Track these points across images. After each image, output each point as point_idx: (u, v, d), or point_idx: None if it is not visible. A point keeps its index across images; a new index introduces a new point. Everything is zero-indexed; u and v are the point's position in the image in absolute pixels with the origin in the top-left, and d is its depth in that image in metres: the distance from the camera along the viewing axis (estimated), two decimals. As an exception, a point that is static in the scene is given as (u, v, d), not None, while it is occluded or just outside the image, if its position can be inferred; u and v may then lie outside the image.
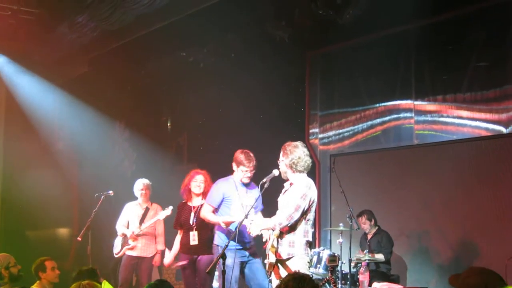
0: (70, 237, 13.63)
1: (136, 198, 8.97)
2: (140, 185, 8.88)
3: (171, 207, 8.44)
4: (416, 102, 8.91)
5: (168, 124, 12.88)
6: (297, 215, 5.70)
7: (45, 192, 12.48)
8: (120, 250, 8.75)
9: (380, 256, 8.30)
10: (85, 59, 12.25)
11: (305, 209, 5.76)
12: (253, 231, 5.86)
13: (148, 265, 8.77)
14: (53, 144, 13.58)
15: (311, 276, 3.95)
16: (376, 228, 8.67)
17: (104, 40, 10.99)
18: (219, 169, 10.82)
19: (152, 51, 11.18)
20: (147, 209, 8.85)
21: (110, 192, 8.58)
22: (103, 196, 8.48)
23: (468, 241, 8.25)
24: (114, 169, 12.95)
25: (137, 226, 8.69)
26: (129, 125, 13.24)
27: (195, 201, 7.54)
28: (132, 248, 8.66)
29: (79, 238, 8.17)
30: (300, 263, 5.72)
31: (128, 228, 8.82)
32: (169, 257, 7.91)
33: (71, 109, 13.04)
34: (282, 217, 5.68)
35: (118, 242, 8.85)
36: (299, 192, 5.76)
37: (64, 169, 13.30)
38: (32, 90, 12.41)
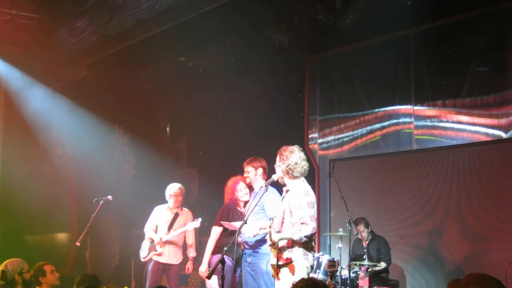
0: (69, 242, 13.59)
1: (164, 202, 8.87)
2: (175, 189, 8.72)
3: (200, 219, 8.45)
4: (415, 107, 8.93)
5: (168, 129, 12.90)
6: (315, 225, 5.71)
7: (43, 197, 12.49)
8: (147, 255, 8.68)
9: (383, 265, 8.27)
10: (84, 64, 12.24)
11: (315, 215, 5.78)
12: (274, 238, 5.73)
13: (176, 272, 8.69)
14: (52, 149, 13.58)
15: (324, 282, 3.91)
16: (371, 234, 8.63)
17: (103, 44, 10.98)
18: (218, 174, 10.89)
19: (152, 56, 11.17)
20: (176, 215, 8.74)
21: (109, 197, 8.52)
22: (102, 201, 8.42)
23: (469, 246, 8.26)
24: (113, 174, 12.95)
25: (165, 232, 8.63)
26: (128, 130, 13.25)
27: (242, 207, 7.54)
28: (159, 254, 8.59)
29: (78, 243, 8.11)
30: (299, 268, 5.70)
31: (156, 232, 8.74)
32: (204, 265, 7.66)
33: (70, 114, 13.03)
34: (307, 230, 5.61)
35: (145, 246, 8.79)
36: (303, 201, 5.71)
37: (63, 174, 13.30)
38: (31, 95, 12.41)
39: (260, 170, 7.19)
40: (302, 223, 5.62)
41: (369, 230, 8.57)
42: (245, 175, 7.30)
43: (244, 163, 7.35)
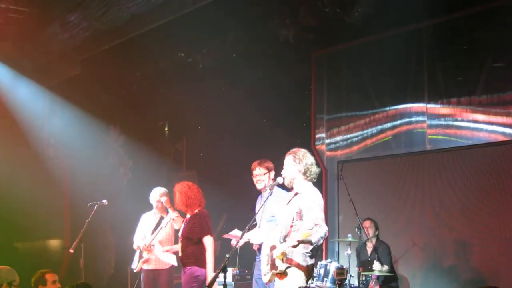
0: (61, 249, 13.63)
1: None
2: (156, 194, 8.73)
3: (175, 213, 8.45)
4: (429, 105, 8.90)
5: (166, 129, 12.90)
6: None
7: (35, 201, 12.50)
8: (137, 265, 8.60)
9: (385, 267, 8.22)
10: (77, 60, 12.28)
11: None
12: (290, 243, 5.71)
13: (166, 279, 8.58)
14: (43, 150, 13.60)
15: None
16: (376, 237, 8.60)
17: (97, 40, 11.01)
18: (219, 177, 10.86)
19: (149, 51, 11.19)
20: (161, 219, 8.72)
21: (104, 201, 8.52)
22: (96, 206, 8.41)
23: (486, 253, 8.19)
24: (108, 177, 12.96)
25: (150, 238, 8.64)
26: (124, 130, 13.27)
27: (188, 215, 7.66)
28: (147, 261, 8.54)
29: (71, 250, 8.09)
30: (298, 274, 5.73)
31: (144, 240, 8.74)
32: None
33: (62, 114, 13.07)
34: (322, 232, 5.62)
35: (136, 256, 8.71)
36: (314, 203, 5.75)
37: (55, 177, 13.32)
38: (21, 93, 12.43)
39: (273, 173, 7.08)
40: (316, 224, 5.64)
41: (376, 232, 8.54)
42: (257, 178, 7.12)
43: (256, 164, 7.15)
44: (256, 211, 7.03)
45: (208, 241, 7.42)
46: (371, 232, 8.50)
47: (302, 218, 5.76)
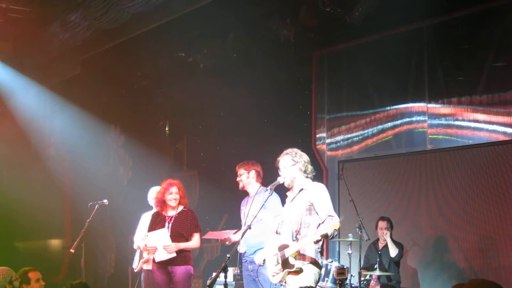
0: (62, 248, 13.63)
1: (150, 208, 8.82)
2: (154, 193, 8.75)
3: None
4: (429, 105, 8.91)
5: (166, 129, 12.91)
6: None
7: (35, 201, 12.51)
8: (138, 265, 8.57)
9: (394, 250, 8.16)
10: (77, 60, 12.26)
11: None
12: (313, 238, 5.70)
13: None
14: (44, 150, 13.60)
15: None
16: (389, 237, 8.56)
17: (98, 40, 11.00)
18: (220, 177, 10.85)
19: (149, 51, 11.19)
20: None
21: (105, 201, 8.51)
22: (97, 205, 8.41)
23: (486, 251, 8.20)
24: (109, 176, 12.97)
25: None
26: (125, 130, 13.27)
27: (170, 212, 7.65)
28: (147, 261, 8.51)
29: (72, 250, 8.08)
30: (314, 270, 5.77)
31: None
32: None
33: (63, 113, 13.07)
34: (336, 221, 5.58)
35: (136, 256, 8.69)
36: (324, 197, 5.82)
37: (55, 176, 13.33)
38: (21, 92, 12.43)
39: (253, 173, 7.27)
40: (329, 216, 5.67)
41: (390, 233, 8.45)
42: (237, 179, 7.37)
43: (237, 166, 7.43)
44: (243, 212, 7.22)
45: (198, 238, 7.63)
46: (387, 233, 8.37)
47: (311, 213, 5.81)
